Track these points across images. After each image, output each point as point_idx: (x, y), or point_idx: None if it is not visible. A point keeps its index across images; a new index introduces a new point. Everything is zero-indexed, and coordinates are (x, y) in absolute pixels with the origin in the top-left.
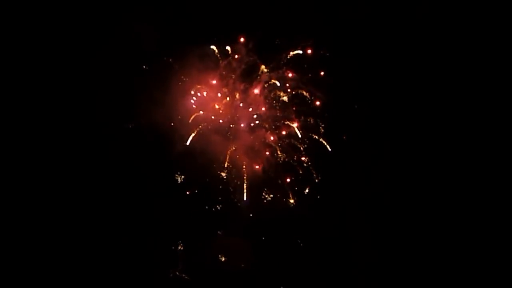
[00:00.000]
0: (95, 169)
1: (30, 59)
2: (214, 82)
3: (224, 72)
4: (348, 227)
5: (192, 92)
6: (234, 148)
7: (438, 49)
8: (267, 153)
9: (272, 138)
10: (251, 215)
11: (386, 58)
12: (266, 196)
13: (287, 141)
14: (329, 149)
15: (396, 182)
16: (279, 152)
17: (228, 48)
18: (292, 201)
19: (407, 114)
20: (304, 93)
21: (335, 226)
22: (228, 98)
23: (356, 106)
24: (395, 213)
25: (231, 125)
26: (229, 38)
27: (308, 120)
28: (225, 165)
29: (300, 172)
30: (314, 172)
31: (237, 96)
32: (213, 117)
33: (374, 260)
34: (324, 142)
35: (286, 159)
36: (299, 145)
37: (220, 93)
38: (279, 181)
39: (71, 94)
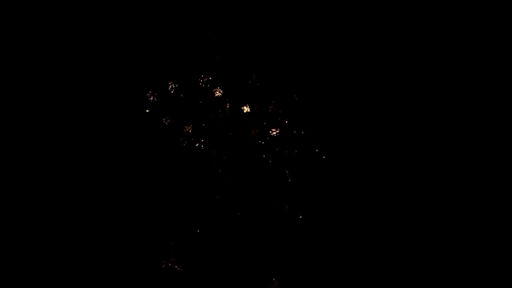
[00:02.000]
0: (92, 164)
1: (31, 59)
2: (203, 89)
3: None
4: (346, 227)
5: (181, 95)
6: (224, 158)
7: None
8: (259, 157)
9: (262, 144)
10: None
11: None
12: (259, 197)
13: (278, 147)
14: (322, 154)
15: (395, 183)
16: (270, 160)
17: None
18: (285, 205)
19: (406, 115)
20: (296, 97)
21: (332, 227)
22: (217, 108)
23: (351, 109)
24: (394, 213)
25: (221, 133)
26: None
27: (300, 124)
28: (218, 169)
29: (292, 177)
30: (306, 175)
31: (227, 106)
32: (203, 125)
33: (372, 260)
34: (317, 147)
35: (277, 164)
36: (290, 151)
37: (209, 102)
38: (270, 191)
39: (68, 95)
